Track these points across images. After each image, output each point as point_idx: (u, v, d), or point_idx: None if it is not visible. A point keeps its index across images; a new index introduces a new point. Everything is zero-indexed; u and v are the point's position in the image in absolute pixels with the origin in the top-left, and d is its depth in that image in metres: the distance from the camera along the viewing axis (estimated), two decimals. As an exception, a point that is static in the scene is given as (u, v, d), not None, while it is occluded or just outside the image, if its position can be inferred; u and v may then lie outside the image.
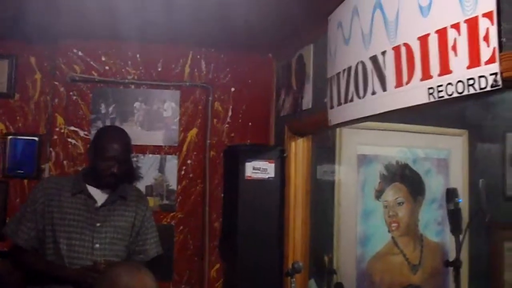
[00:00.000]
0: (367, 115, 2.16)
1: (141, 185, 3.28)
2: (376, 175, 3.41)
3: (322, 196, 3.26)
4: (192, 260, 3.37)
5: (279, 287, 2.99)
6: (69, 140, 3.27)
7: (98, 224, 2.57)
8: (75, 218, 2.56)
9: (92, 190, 2.61)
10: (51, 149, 3.25)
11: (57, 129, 3.26)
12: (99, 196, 2.61)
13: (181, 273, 3.35)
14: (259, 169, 3.11)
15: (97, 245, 2.54)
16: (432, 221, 3.52)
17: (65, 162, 3.24)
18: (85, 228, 2.55)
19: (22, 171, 3.25)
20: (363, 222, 3.39)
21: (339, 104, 2.40)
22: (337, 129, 3.16)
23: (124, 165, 2.62)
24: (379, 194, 3.41)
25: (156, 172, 3.34)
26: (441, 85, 1.65)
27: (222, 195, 3.41)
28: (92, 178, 2.61)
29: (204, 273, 3.34)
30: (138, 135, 3.29)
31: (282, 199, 3.13)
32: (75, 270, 2.48)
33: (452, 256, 2.84)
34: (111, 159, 2.55)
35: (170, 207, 3.35)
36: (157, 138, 3.37)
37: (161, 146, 3.37)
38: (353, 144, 3.31)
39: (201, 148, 3.41)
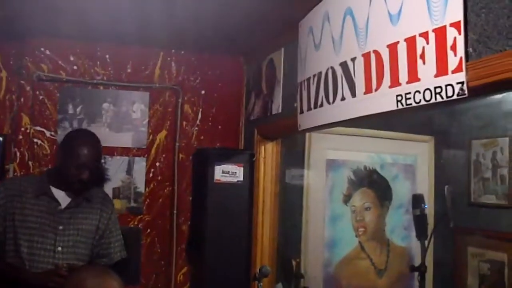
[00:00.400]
0: (336, 121, 2.18)
1: (108, 187, 3.22)
2: (344, 180, 3.44)
3: (291, 200, 3.27)
4: (159, 264, 3.34)
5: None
6: (35, 140, 3.20)
7: (60, 227, 2.50)
8: (37, 221, 2.49)
9: (56, 192, 2.54)
10: (15, 149, 3.17)
11: (22, 129, 3.19)
12: (63, 198, 2.55)
13: (148, 277, 3.32)
14: (228, 172, 3.10)
15: (59, 248, 2.47)
16: (398, 226, 3.57)
17: (30, 162, 3.18)
18: (47, 231, 2.48)
19: (-16, 172, 3.17)
20: (331, 226, 3.41)
21: (309, 109, 2.41)
22: (306, 134, 3.18)
23: (94, 171, 2.56)
24: (347, 198, 3.44)
25: (124, 174, 3.31)
26: (409, 93, 1.68)
27: (191, 198, 3.39)
28: (58, 180, 2.54)
29: (171, 276, 3.31)
30: (106, 136, 3.24)
31: (250, 203, 3.13)
32: (37, 273, 2.42)
33: (417, 261, 2.88)
34: (82, 167, 2.48)
35: (138, 210, 3.32)
36: (125, 140, 3.33)
37: (129, 148, 3.34)
38: (322, 149, 3.33)
39: (170, 150, 3.39)
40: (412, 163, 3.61)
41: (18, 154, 3.18)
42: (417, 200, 2.78)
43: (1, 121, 3.23)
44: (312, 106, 2.38)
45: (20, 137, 3.18)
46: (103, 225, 2.63)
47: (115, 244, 2.69)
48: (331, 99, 2.20)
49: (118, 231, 2.72)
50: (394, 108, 1.76)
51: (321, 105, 2.28)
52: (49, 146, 3.20)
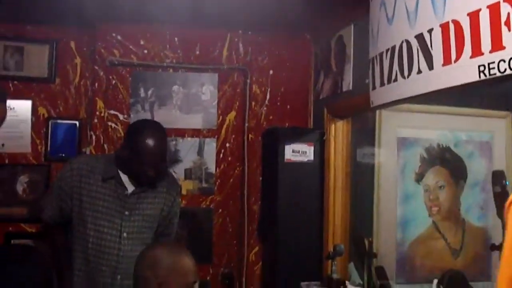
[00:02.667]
0: (412, 95, 2.10)
1: (180, 168, 3.31)
2: (417, 158, 3.35)
3: (362, 179, 3.22)
4: (231, 243, 3.38)
5: (319, 270, 2.98)
6: (109, 123, 3.30)
7: (126, 213, 2.50)
8: (104, 205, 2.50)
9: (123, 177, 2.54)
10: (91, 132, 3.28)
11: (97, 113, 3.29)
12: (129, 183, 2.54)
13: (220, 256, 3.36)
14: (298, 152, 3.09)
15: (125, 234, 2.49)
16: (474, 205, 3.44)
17: (105, 145, 3.28)
18: (114, 216, 2.50)
19: (63, 155, 3.29)
20: (403, 205, 3.33)
21: (382, 84, 2.35)
22: (377, 112, 3.11)
23: (161, 168, 2.54)
24: (419, 177, 3.35)
25: (195, 155, 3.35)
26: (492, 62, 1.60)
27: (261, 178, 3.40)
28: (126, 168, 2.53)
29: (243, 256, 3.35)
30: (176, 118, 3.30)
31: (321, 182, 3.11)
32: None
33: (495, 241, 2.78)
34: (148, 164, 2.46)
35: (209, 190, 3.36)
36: (195, 121, 3.37)
37: (199, 129, 3.38)
38: (393, 126, 3.25)
39: (240, 131, 3.41)
40: (488, 140, 3.47)
41: (93, 137, 3.28)
42: (498, 176, 2.66)
43: (76, 106, 3.36)
44: (385, 81, 2.31)
45: (95, 121, 3.29)
46: (167, 207, 2.63)
47: (175, 226, 2.70)
48: (406, 73, 2.13)
49: (178, 212, 2.72)
50: (476, 79, 1.68)
51: (395, 80, 2.22)
52: (123, 129, 3.28)
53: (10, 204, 3.23)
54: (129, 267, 2.26)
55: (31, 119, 3.29)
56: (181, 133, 3.34)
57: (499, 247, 2.56)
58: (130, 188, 2.54)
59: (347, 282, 2.64)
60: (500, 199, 2.63)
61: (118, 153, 2.59)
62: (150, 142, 2.45)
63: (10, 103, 3.23)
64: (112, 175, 2.53)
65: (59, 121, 3.32)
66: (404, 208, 3.36)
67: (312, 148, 3.11)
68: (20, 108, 3.28)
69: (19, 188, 3.25)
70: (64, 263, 2.56)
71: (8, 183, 3.24)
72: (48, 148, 3.30)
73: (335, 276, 2.56)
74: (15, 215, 3.23)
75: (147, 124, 2.65)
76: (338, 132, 3.10)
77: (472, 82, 1.71)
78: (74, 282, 2.55)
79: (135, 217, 2.52)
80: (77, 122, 3.32)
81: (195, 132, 3.37)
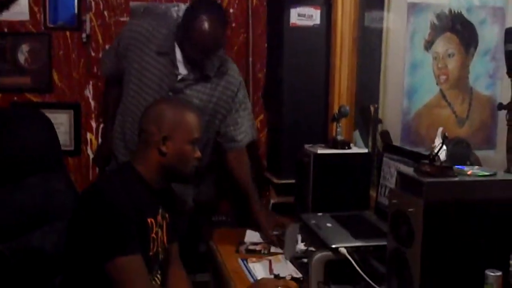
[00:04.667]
0: None
1: (183, 35, 3.22)
2: (427, 25, 3.24)
3: (369, 45, 3.14)
4: (237, 111, 3.37)
5: (324, 134, 2.99)
6: (108, -12, 3.17)
7: (170, 93, 2.44)
8: (152, 79, 2.45)
9: (179, 55, 2.43)
10: (90, -2, 3.17)
11: (93, -25, 3.16)
12: (183, 65, 2.44)
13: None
14: (304, 15, 2.99)
15: None
16: (483, 73, 3.38)
17: (105, 12, 3.17)
18: (157, 92, 2.44)
19: (63, 23, 3.20)
20: (411, 73, 3.28)
21: None
22: (387, -25, 2.98)
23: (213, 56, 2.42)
24: (428, 45, 3.26)
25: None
26: None
27: (266, 45, 3.32)
28: (182, 45, 2.40)
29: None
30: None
31: (328, 47, 3.03)
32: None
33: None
34: (199, 51, 2.35)
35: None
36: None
37: (201, -6, 3.25)
38: (403, -10, 3.12)
39: (244, -5, 3.28)
40: (502, 6, 3.33)
41: (93, 4, 3.17)
42: (510, 34, 2.57)
43: (73, -30, 3.21)
44: None
45: (93, -16, 3.16)
46: (222, 103, 2.53)
47: (246, 131, 2.64)
48: None
49: (245, 111, 2.63)
50: None
51: None
52: (122, -7, 3.17)
53: (12, 73, 3.19)
54: None
55: (27, -16, 3.17)
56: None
57: (507, 106, 2.54)
58: (182, 69, 2.44)
59: (351, 144, 2.65)
60: (511, 57, 2.56)
61: (180, 24, 2.43)
62: (202, 26, 2.29)
63: (4, -33, 3.11)
64: (167, 50, 2.43)
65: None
66: (411, 76, 3.30)
67: (319, 11, 3.00)
68: (15, -27, 3.15)
69: (21, 57, 3.20)
70: (107, 124, 2.59)
71: (9, 52, 3.18)
72: (47, 17, 3.20)
73: (339, 137, 2.56)
74: (19, 84, 3.20)
75: (206, 5, 2.42)
76: (346, -5, 2.98)
77: None
78: (113, 144, 2.59)
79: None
80: (75, -12, 3.20)
81: (197, -2, 3.25)
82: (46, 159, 2.27)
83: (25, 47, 3.19)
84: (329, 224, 2.17)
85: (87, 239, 1.79)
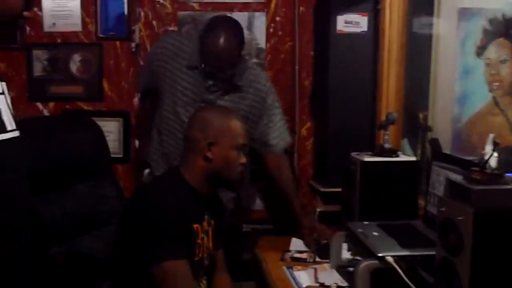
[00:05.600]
0: None
1: (230, 44, 3.25)
2: (479, 30, 3.15)
3: (418, 52, 3.08)
4: (283, 119, 3.36)
5: (371, 142, 2.95)
6: (157, -1, 3.24)
7: (202, 105, 2.48)
8: (184, 92, 2.53)
9: (209, 67, 2.49)
10: (139, 9, 3.23)
11: (144, -12, 3.23)
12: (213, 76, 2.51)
13: (272, 132, 3.36)
14: (351, 22, 2.96)
15: None
16: (538, 80, 3.27)
17: (154, 22, 3.24)
18: (190, 105, 2.51)
19: (113, 33, 3.29)
20: (462, 80, 3.19)
21: None
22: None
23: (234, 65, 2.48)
24: (480, 51, 3.16)
25: (245, 31, 3.25)
26: None
27: (312, 52, 3.31)
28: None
29: (295, 132, 3.33)
30: (225, -9, 3.21)
31: (375, 54, 3.00)
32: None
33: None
34: (213, 67, 2.44)
35: (260, 66, 3.30)
36: (245, -7, 3.26)
37: (249, 3, 3.26)
38: (454, -5, 3.05)
39: (290, 3, 3.27)
40: (558, 9, 3.22)
41: (142, 14, 3.24)
42: None
43: (124, -17, 3.29)
44: None
45: (143, -4, 3.23)
46: (253, 108, 2.57)
47: (278, 135, 2.65)
48: None
49: (276, 117, 2.64)
50: None
51: None
52: (170, 4, 3.23)
53: (65, 82, 3.30)
54: None
55: (80, -4, 3.27)
56: (230, 7, 3.24)
57: None
58: (212, 81, 2.50)
59: (399, 152, 2.60)
60: None
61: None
62: (215, 41, 2.39)
63: (58, -19, 3.22)
64: (195, 64, 2.50)
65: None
66: (462, 83, 3.21)
67: (366, 18, 2.98)
68: (68, -15, 3.26)
69: (73, 67, 3.30)
70: (144, 136, 2.66)
71: (62, 62, 3.29)
72: (99, 28, 3.29)
73: (387, 145, 2.52)
74: (71, 93, 3.30)
75: (219, 22, 2.55)
76: (394, 1, 2.93)
77: None
78: (150, 154, 2.65)
79: None
80: (125, -1, 3.28)
81: (244, 6, 3.26)
82: (96, 165, 2.32)
83: (77, 57, 3.29)
84: (375, 233, 2.12)
85: (135, 244, 1.82)
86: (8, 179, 1.32)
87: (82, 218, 2.19)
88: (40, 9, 3.22)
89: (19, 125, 1.34)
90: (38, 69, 3.28)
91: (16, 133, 1.35)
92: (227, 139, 1.94)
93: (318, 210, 3.19)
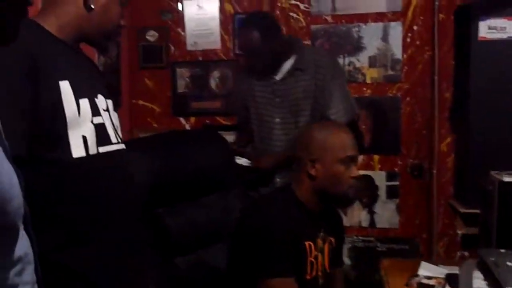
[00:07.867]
0: None
1: (363, 56, 3.16)
2: None
3: None
4: (420, 133, 3.16)
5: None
6: (291, 14, 3.25)
7: (277, 99, 2.56)
8: (260, 95, 2.63)
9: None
10: (274, 25, 3.27)
11: (278, 4, 3.26)
12: (279, 70, 2.58)
13: (409, 147, 3.18)
14: (495, 28, 2.70)
15: (277, 120, 2.57)
16: None
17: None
18: (267, 103, 2.60)
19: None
20: None
21: None
22: None
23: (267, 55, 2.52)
24: None
25: (379, 41, 3.15)
26: None
27: (453, 62, 3.07)
28: None
29: (434, 147, 3.12)
30: (357, 2, 3.12)
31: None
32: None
33: None
34: (251, 57, 2.57)
35: (395, 78, 3.16)
36: (379, 4, 3.14)
37: (384, 12, 3.14)
38: None
39: (429, 11, 3.08)
40: None
41: (278, 28, 3.27)
42: None
43: (260, 0, 3.35)
44: None
45: (277, 12, 3.27)
46: (320, 83, 2.54)
47: (339, 105, 2.56)
48: None
49: (336, 91, 2.56)
50: None
51: None
52: (304, 18, 3.23)
53: (205, 98, 3.44)
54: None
55: (219, 16, 3.40)
56: (364, 18, 3.14)
57: None
58: (279, 75, 2.57)
59: (548, 172, 2.29)
60: None
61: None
62: (242, 37, 2.61)
63: (199, 2, 3.38)
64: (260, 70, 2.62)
65: (244, 16, 3.35)
66: None
67: (513, 22, 2.70)
68: (209, 6, 3.40)
69: (212, 83, 3.44)
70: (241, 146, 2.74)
71: (202, 79, 3.45)
72: (236, 43, 3.39)
73: (533, 164, 2.24)
74: (210, 108, 3.44)
75: (251, 16, 2.76)
76: (547, 1, 2.63)
77: None
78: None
79: (285, 103, 2.56)
80: (261, 16, 3.33)
81: (379, 16, 3.15)
82: (223, 178, 2.36)
83: (216, 74, 3.42)
84: (510, 263, 1.89)
85: (244, 258, 1.82)
86: (117, 187, 1.36)
87: (207, 230, 2.24)
88: (183, 29, 3.41)
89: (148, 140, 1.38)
90: (181, 86, 3.47)
91: (121, 146, 1.41)
92: (329, 153, 1.86)
93: (459, 232, 2.95)
